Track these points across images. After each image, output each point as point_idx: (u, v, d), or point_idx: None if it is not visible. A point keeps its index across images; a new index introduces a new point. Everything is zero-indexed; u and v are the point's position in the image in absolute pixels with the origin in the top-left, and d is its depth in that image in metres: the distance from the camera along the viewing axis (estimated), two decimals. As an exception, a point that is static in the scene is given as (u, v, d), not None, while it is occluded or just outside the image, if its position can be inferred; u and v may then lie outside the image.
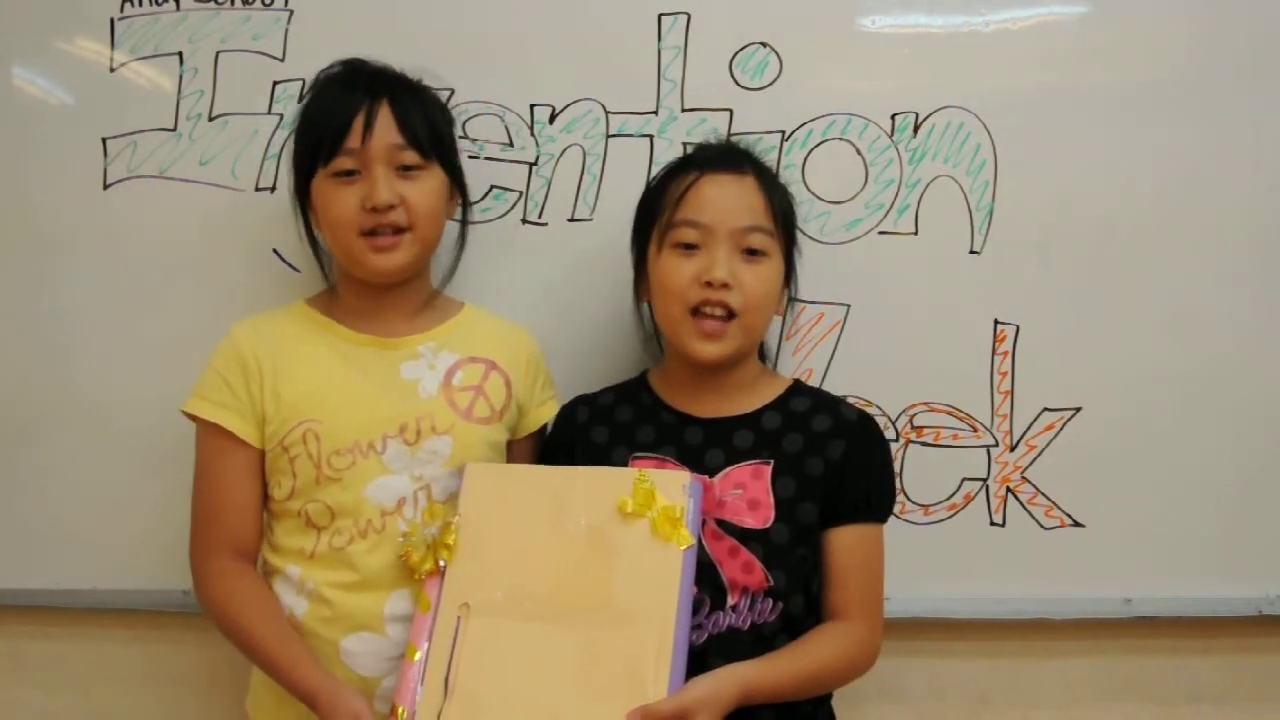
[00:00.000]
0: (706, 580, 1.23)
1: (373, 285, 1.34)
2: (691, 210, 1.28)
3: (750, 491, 1.27)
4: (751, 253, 1.27)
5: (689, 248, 1.28)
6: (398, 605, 1.28)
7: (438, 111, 1.37)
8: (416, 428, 1.31)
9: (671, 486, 1.21)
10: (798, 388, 1.36)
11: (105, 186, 1.55)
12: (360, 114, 1.27)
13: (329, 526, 1.29)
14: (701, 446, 1.31)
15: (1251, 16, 1.51)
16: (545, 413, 1.43)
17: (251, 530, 1.31)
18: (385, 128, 1.28)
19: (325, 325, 1.36)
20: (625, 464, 1.32)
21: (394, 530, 1.29)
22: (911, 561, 1.39)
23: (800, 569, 1.26)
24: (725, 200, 1.28)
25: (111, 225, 1.55)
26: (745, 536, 1.26)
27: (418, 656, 1.19)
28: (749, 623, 1.25)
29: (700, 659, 1.19)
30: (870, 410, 1.48)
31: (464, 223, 1.45)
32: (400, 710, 1.16)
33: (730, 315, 1.27)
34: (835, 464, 1.28)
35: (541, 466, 1.37)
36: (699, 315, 1.27)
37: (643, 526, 1.20)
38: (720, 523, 1.26)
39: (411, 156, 1.30)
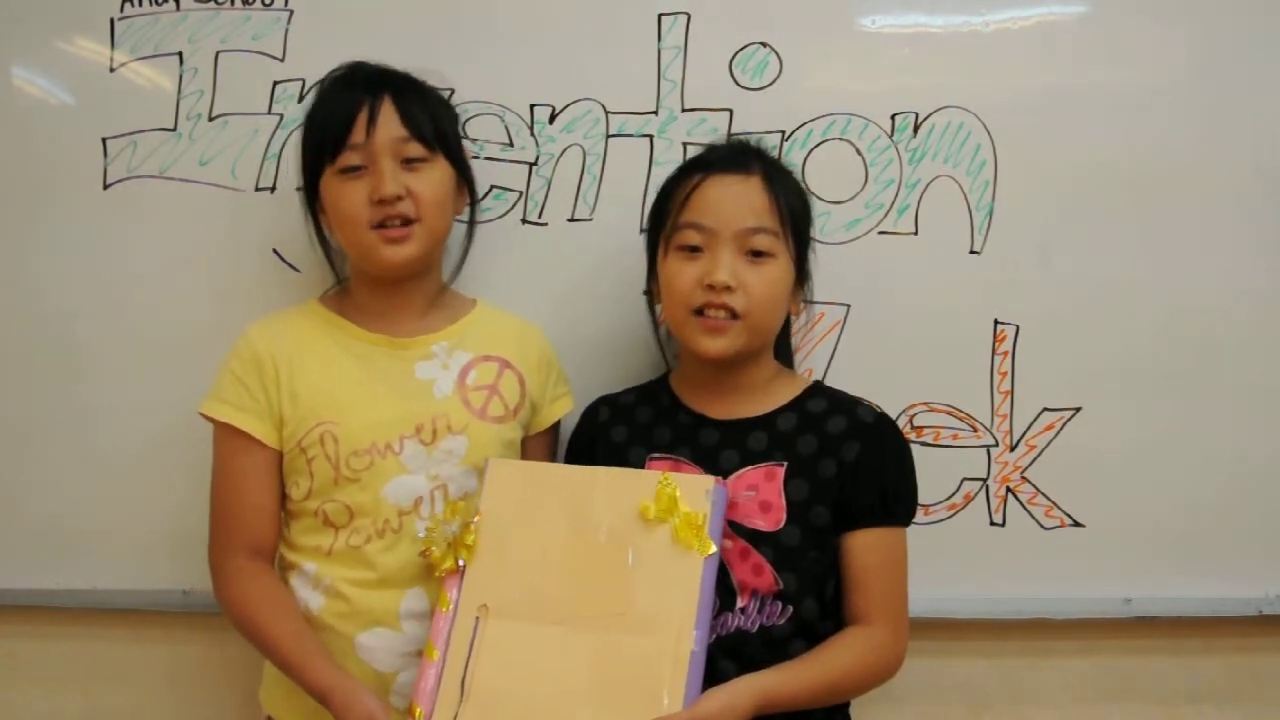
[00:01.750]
0: (716, 582, 1.22)
1: (385, 282, 1.35)
2: (695, 213, 1.28)
3: (763, 493, 1.27)
4: (756, 254, 1.27)
5: (693, 250, 1.28)
6: (414, 602, 1.29)
7: (440, 107, 1.38)
8: (432, 428, 1.31)
9: (694, 492, 1.19)
10: (816, 389, 1.35)
11: (105, 186, 1.55)
12: (363, 109, 1.28)
13: (347, 526, 1.30)
14: (716, 448, 1.30)
15: (1251, 16, 1.51)
16: (559, 409, 1.44)
17: (269, 530, 1.32)
18: (389, 121, 1.29)
19: (338, 324, 1.36)
20: (642, 464, 1.31)
21: (411, 529, 1.29)
22: (911, 561, 1.39)
23: (812, 572, 1.26)
24: (729, 202, 1.27)
25: (111, 225, 1.55)
26: (756, 539, 1.25)
27: (436, 657, 1.18)
28: (758, 625, 1.24)
29: (709, 661, 1.18)
30: (870, 410, 1.48)
31: (471, 222, 1.45)
32: (418, 711, 1.16)
33: (735, 316, 1.26)
34: (849, 466, 1.27)
35: (563, 465, 1.37)
36: (703, 316, 1.27)
37: (664, 532, 1.18)
38: (732, 524, 1.25)
39: (416, 149, 1.30)
